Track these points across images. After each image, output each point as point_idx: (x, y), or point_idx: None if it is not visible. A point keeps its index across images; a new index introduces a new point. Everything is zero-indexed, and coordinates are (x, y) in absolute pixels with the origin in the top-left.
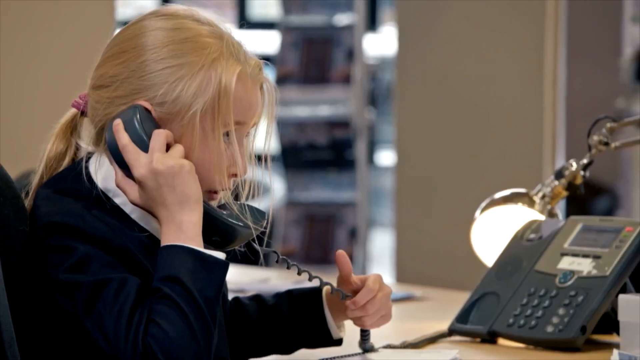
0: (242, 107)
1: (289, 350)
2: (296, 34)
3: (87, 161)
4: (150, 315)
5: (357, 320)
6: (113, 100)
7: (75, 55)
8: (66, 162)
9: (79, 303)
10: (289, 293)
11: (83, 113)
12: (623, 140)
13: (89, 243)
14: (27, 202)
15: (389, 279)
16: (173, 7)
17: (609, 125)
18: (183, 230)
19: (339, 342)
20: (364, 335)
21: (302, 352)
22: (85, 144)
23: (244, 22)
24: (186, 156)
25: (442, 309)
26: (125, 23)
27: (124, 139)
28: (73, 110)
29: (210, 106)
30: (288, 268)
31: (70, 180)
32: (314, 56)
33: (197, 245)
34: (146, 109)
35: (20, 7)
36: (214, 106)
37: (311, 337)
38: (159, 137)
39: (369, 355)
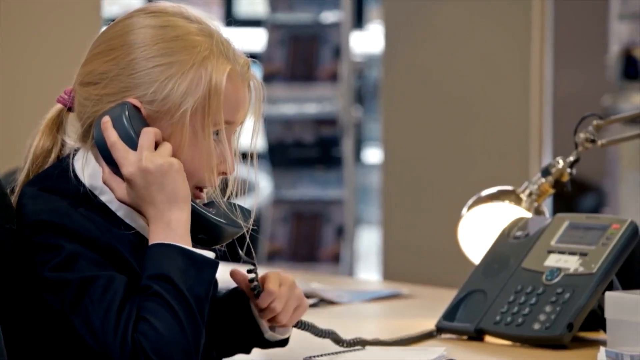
0: (231, 106)
1: (229, 351)
2: (283, 31)
3: (72, 158)
4: (140, 312)
5: (272, 320)
6: (102, 98)
7: (61, 53)
8: (52, 158)
9: (66, 300)
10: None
11: (69, 109)
12: (609, 137)
13: (76, 241)
14: (13, 200)
15: (376, 276)
16: (162, 4)
17: (595, 122)
18: (172, 228)
19: (280, 343)
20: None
21: (289, 352)
22: (71, 140)
23: (231, 19)
24: (175, 154)
25: (429, 306)
26: (112, 20)
27: (112, 136)
28: (58, 106)
29: (200, 105)
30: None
31: (56, 177)
32: (301, 54)
33: (186, 243)
34: (135, 107)
35: (5, 6)
36: (204, 105)
37: (243, 336)
38: (148, 135)
39: (356, 353)
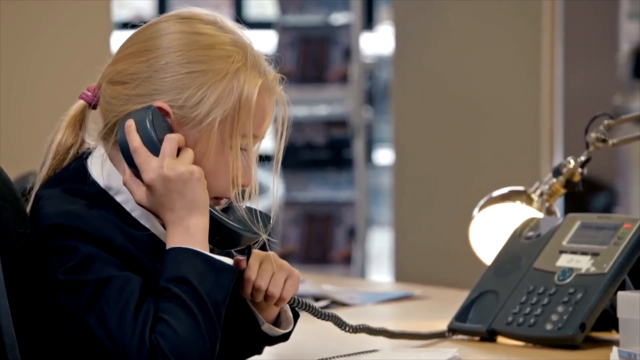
0: (258, 119)
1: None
2: (293, 33)
3: (89, 157)
4: (158, 313)
5: (268, 300)
6: (131, 98)
7: (71, 56)
8: (71, 155)
9: (81, 302)
10: None
11: (93, 106)
12: (621, 137)
13: (91, 243)
14: (31, 197)
15: (388, 277)
16: (196, 11)
17: (606, 122)
18: (191, 234)
19: (283, 337)
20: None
21: (301, 354)
22: (91, 138)
23: (241, 21)
24: (199, 162)
25: (441, 307)
26: (138, 24)
27: (135, 141)
28: (81, 103)
29: (229, 115)
30: None
31: (73, 177)
32: (311, 56)
33: (204, 249)
34: (161, 111)
35: (16, 8)
36: (233, 116)
37: (245, 334)
38: (171, 141)
39: (369, 355)
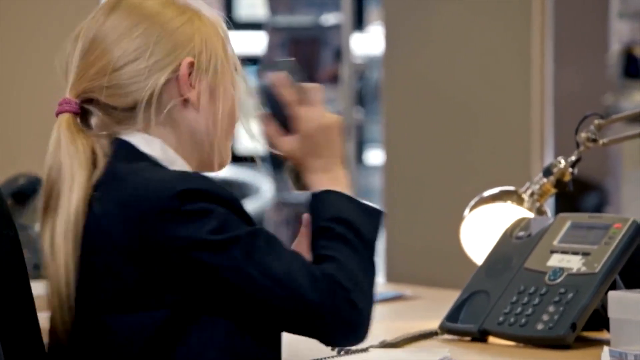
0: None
1: None
2: (283, 34)
3: (123, 144)
4: (323, 251)
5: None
6: (153, 66)
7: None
8: (100, 155)
9: (238, 256)
10: None
11: (79, 113)
12: (611, 136)
13: (223, 202)
14: (83, 192)
15: (379, 278)
16: None
17: (597, 122)
18: (339, 181)
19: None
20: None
21: (294, 352)
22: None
23: (231, 22)
24: (223, 104)
25: (432, 307)
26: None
27: (290, 94)
28: (66, 117)
29: (223, 52)
30: None
31: (131, 155)
32: (301, 56)
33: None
34: (191, 66)
35: (15, 8)
36: (225, 52)
37: None
38: (320, 92)
39: (361, 355)
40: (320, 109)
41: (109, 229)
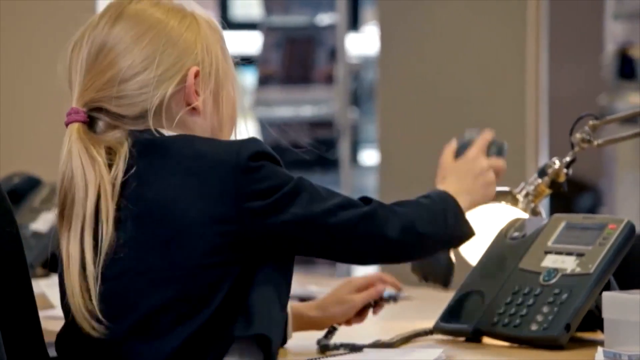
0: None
1: None
2: (278, 34)
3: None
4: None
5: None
6: (161, 76)
7: (55, 56)
8: (124, 149)
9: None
10: None
11: (87, 122)
12: (606, 137)
13: (279, 164)
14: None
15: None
16: None
17: (591, 122)
18: (463, 198)
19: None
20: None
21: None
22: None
23: (226, 22)
24: (226, 107)
25: (426, 308)
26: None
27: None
28: (76, 127)
29: (224, 52)
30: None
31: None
32: (297, 56)
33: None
34: (197, 75)
35: (8, 8)
36: (224, 54)
37: None
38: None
39: (356, 355)
40: (479, 157)
41: (180, 197)
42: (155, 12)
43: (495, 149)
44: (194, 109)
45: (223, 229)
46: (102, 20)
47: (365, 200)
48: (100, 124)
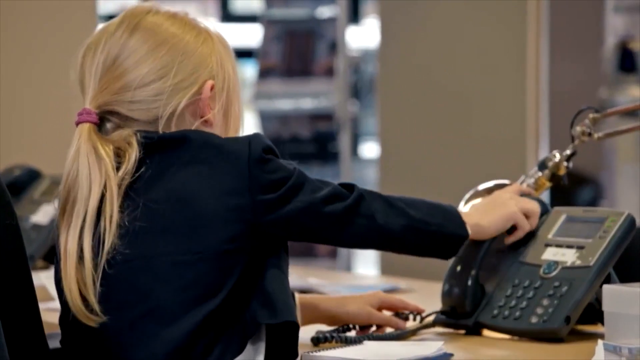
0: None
1: None
2: (278, 27)
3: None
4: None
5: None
6: (177, 85)
7: (57, 50)
8: (133, 155)
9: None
10: None
11: (97, 123)
12: (606, 130)
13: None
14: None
15: (374, 271)
16: (147, 5)
17: (591, 116)
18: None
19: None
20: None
21: None
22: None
23: (227, 15)
24: (235, 119)
25: (427, 300)
26: (109, 18)
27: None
28: (87, 127)
29: (234, 68)
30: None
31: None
32: (297, 49)
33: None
34: (212, 88)
35: (5, 7)
36: (233, 68)
37: None
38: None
39: (355, 347)
40: (506, 191)
41: (195, 186)
42: (171, 27)
43: (541, 204)
44: (206, 121)
45: (238, 217)
46: (119, 30)
47: (349, 187)
48: (108, 126)
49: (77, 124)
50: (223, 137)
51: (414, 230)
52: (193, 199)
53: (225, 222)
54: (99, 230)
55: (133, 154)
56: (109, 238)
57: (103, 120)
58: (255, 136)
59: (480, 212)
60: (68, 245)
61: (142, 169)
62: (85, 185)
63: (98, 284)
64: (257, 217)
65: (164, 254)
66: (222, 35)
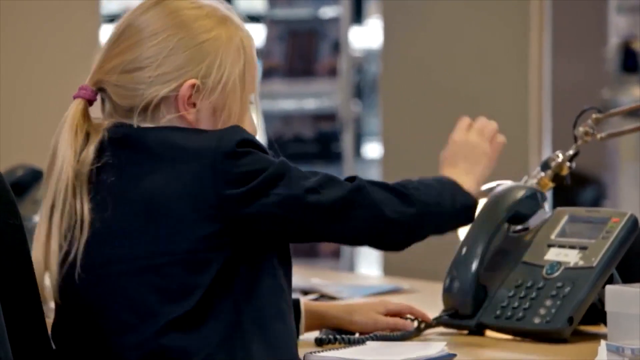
0: (255, 70)
1: None
2: (282, 27)
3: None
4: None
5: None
6: (156, 78)
7: (60, 50)
8: (97, 139)
9: (302, 185)
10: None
11: (90, 102)
12: (609, 130)
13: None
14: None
15: (376, 271)
16: None
17: (594, 116)
18: (463, 180)
19: None
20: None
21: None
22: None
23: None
24: (227, 124)
25: (429, 301)
26: (112, 18)
27: None
28: (81, 101)
29: (241, 72)
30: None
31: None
32: (300, 49)
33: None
34: (193, 87)
35: (4, 5)
36: (244, 72)
37: None
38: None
39: (357, 348)
40: (478, 135)
41: (171, 192)
42: (190, 14)
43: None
44: (182, 117)
45: (206, 216)
46: (143, 3)
47: (350, 179)
48: (107, 107)
49: (74, 97)
50: (192, 132)
51: (427, 215)
52: (159, 202)
53: (194, 222)
54: (70, 217)
55: (94, 144)
56: (79, 226)
57: (104, 101)
58: (229, 130)
59: (466, 170)
60: (40, 222)
61: (108, 167)
62: (59, 161)
63: (59, 274)
64: (228, 213)
65: (133, 257)
66: (248, 36)
